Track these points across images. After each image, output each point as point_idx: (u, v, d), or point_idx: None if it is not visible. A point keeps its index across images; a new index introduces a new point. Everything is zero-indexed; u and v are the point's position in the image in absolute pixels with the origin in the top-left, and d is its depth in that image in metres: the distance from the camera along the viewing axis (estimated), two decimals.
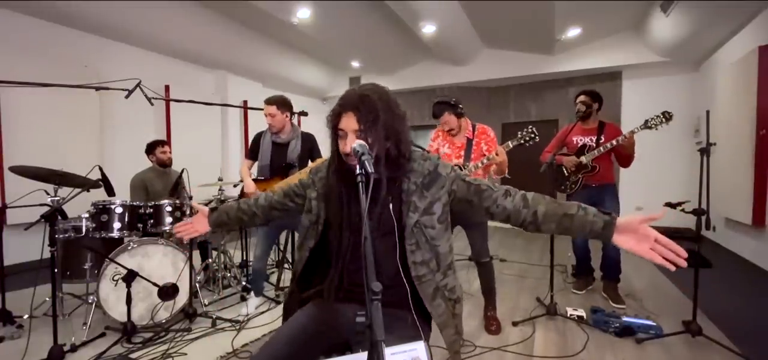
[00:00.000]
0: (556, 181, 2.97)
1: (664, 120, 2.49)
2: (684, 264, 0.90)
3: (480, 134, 2.43)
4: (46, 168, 2.09)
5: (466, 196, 1.13)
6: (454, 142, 2.47)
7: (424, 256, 1.07)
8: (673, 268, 0.92)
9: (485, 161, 2.30)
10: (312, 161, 2.73)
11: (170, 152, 3.32)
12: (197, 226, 1.45)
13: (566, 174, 2.92)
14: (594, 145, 2.79)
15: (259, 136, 2.76)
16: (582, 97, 2.85)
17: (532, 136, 2.25)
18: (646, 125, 2.53)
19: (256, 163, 2.75)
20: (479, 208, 1.12)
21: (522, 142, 2.27)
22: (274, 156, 2.66)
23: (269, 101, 2.59)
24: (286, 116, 2.64)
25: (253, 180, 2.68)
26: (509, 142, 2.30)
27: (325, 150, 2.59)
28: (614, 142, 2.65)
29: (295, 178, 2.56)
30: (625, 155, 2.74)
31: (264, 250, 2.64)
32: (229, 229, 3.18)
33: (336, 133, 1.08)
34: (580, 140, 2.87)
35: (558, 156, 2.88)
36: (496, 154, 2.23)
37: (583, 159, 2.78)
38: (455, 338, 1.13)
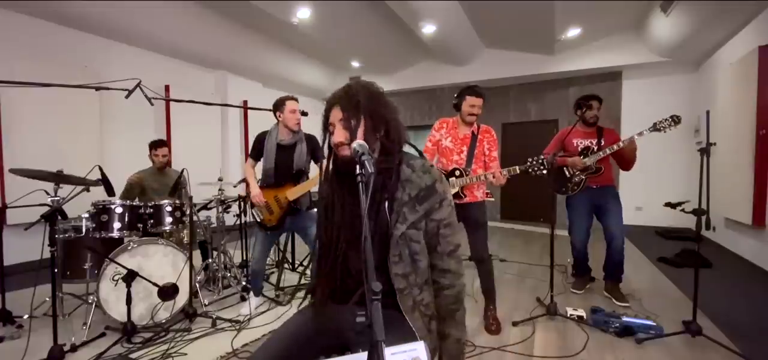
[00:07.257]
0: (557, 183, 2.95)
1: (672, 123, 2.48)
2: None
3: (484, 132, 2.45)
4: (47, 170, 2.08)
5: (433, 230, 1.09)
6: (457, 136, 2.44)
7: (405, 269, 1.06)
8: None
9: (482, 178, 2.32)
10: (315, 162, 2.69)
11: (165, 155, 3.27)
12: None
13: (568, 175, 2.92)
14: (595, 147, 2.80)
15: (263, 136, 2.65)
16: (596, 103, 2.83)
17: (542, 166, 2.30)
18: (655, 128, 2.51)
19: (260, 165, 2.65)
20: (423, 252, 1.09)
21: (529, 171, 2.33)
22: (278, 159, 2.57)
23: (296, 99, 2.57)
24: None
25: (262, 187, 2.59)
26: (516, 168, 2.34)
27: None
28: (621, 144, 2.65)
29: (308, 186, 2.54)
30: (627, 159, 2.76)
31: (262, 253, 2.62)
32: None
33: (327, 131, 1.11)
34: (581, 143, 2.87)
35: (559, 158, 2.88)
36: (493, 176, 2.27)
37: (587, 160, 2.78)
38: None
